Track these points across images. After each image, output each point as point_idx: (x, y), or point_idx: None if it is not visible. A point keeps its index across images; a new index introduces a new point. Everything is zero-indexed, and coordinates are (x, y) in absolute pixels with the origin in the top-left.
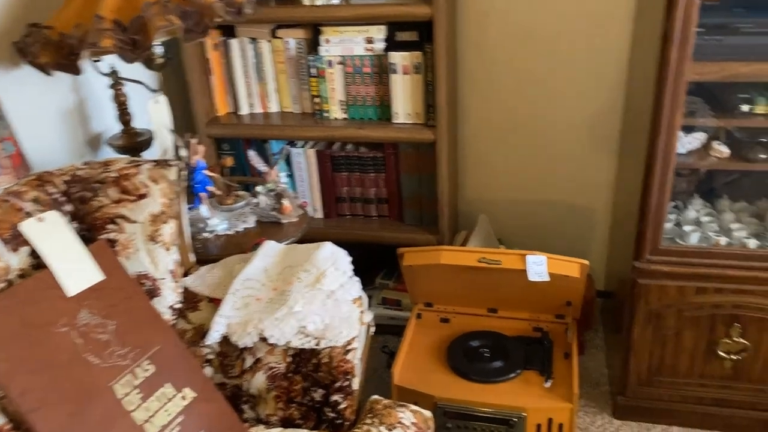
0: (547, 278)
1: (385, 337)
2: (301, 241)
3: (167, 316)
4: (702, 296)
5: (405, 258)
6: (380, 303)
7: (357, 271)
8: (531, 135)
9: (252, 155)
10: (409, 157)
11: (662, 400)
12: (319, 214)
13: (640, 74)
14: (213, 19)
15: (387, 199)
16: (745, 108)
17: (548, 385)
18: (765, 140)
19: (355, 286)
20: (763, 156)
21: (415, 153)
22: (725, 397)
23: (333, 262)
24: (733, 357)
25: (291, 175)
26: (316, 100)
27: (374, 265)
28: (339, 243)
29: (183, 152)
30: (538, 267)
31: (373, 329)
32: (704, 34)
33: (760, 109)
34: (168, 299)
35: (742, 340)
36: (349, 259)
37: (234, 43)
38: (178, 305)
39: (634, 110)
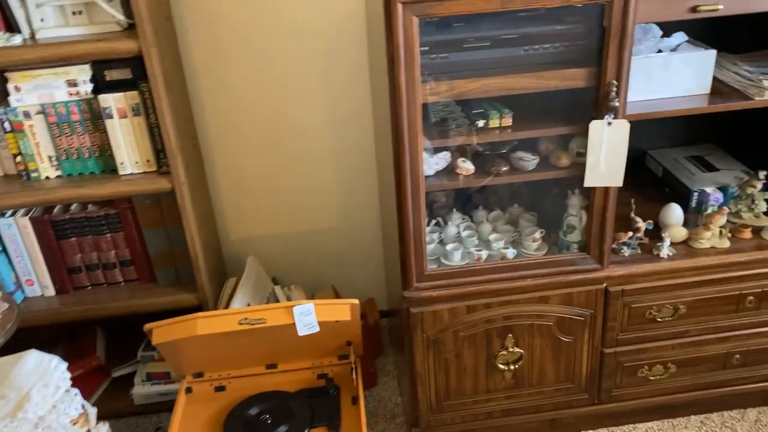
0: (317, 329)
1: (160, 416)
2: (12, 344)
3: None
4: (473, 314)
5: (155, 335)
6: (146, 380)
7: (113, 347)
8: (289, 166)
9: None
10: (149, 210)
11: (455, 423)
12: (51, 291)
13: (381, 99)
14: None
15: (132, 261)
16: (480, 123)
17: None
18: (504, 151)
19: (74, 402)
20: (504, 168)
21: (155, 204)
22: (512, 406)
23: (40, 376)
24: (512, 367)
25: (4, 251)
26: (18, 159)
27: (132, 336)
28: (84, 322)
29: None
30: (306, 318)
31: None
32: (429, 53)
33: (493, 123)
34: None
35: (517, 349)
36: (64, 366)
37: None
38: None
39: (382, 136)
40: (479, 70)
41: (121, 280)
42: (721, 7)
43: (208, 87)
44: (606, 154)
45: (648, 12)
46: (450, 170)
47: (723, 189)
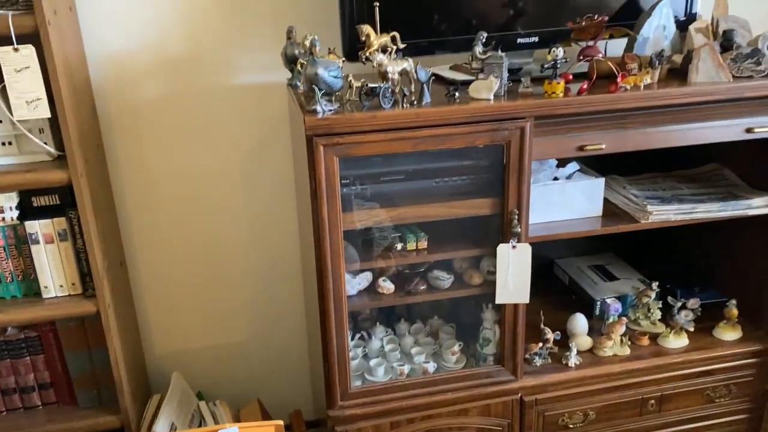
0: None
1: None
2: None
3: None
4: (397, 430)
5: None
6: None
7: None
8: (215, 279)
9: None
10: (72, 332)
11: None
12: None
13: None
14: None
15: (52, 383)
16: (399, 246)
17: None
18: (422, 270)
19: None
20: (422, 287)
21: (79, 327)
22: None
23: None
24: None
25: None
26: None
27: None
28: None
29: None
30: None
31: None
32: (350, 185)
33: (411, 246)
34: None
35: None
36: None
37: None
38: None
39: (306, 257)
40: (396, 200)
41: (40, 403)
42: (603, 146)
43: (136, 206)
44: (512, 274)
45: (542, 150)
46: (372, 289)
47: (622, 298)
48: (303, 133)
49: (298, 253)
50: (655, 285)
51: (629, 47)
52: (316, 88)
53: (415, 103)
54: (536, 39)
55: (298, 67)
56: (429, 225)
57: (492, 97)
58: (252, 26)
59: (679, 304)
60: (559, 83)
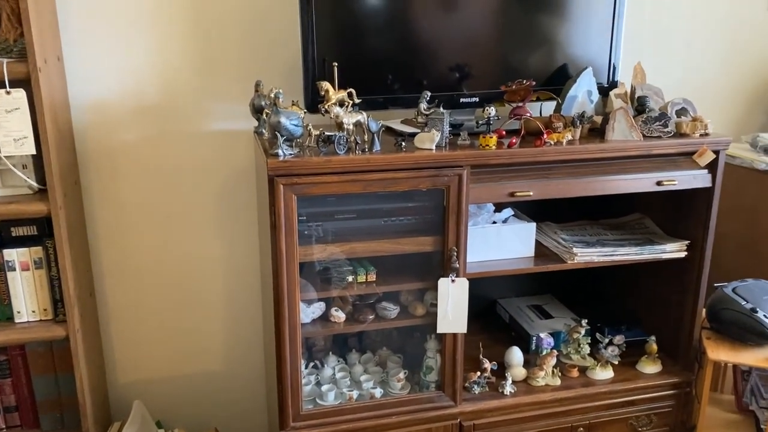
0: None
1: None
2: None
3: None
4: None
5: None
6: None
7: None
8: (179, 315)
9: None
10: (41, 357)
11: None
12: None
13: (266, 257)
14: None
15: (17, 407)
16: (350, 278)
17: None
18: (371, 302)
19: None
20: (371, 317)
21: (48, 351)
22: None
23: None
24: None
25: None
26: None
27: None
28: None
29: None
30: None
31: None
32: (307, 222)
33: (361, 279)
34: None
35: None
36: None
37: None
38: None
39: (266, 289)
40: (348, 236)
41: (4, 426)
42: (531, 193)
43: (107, 239)
44: (452, 305)
45: (477, 195)
46: (325, 318)
47: (556, 334)
48: (266, 173)
49: (259, 288)
50: (584, 322)
51: (557, 109)
52: (279, 135)
53: (367, 150)
54: (477, 99)
55: (264, 116)
56: (378, 259)
57: (434, 147)
58: (223, 80)
59: (607, 340)
60: (492, 137)
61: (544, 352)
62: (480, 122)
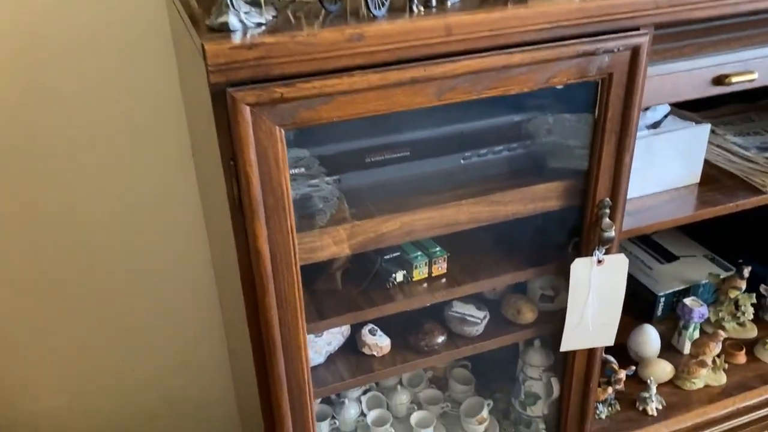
0: None
1: None
2: None
3: None
4: None
5: None
6: None
7: None
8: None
9: None
10: None
11: None
12: None
13: (224, 258)
14: None
15: None
16: (398, 276)
17: None
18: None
19: None
20: (440, 338)
21: None
22: None
23: None
24: None
25: None
26: None
27: None
28: None
29: None
30: None
31: None
32: (309, 177)
33: (418, 274)
34: None
35: None
36: None
37: None
38: None
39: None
40: (394, 199)
41: None
42: (755, 75)
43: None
44: (594, 305)
45: (657, 88)
46: (352, 348)
47: (692, 289)
48: (203, 80)
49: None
50: (746, 270)
51: None
52: None
53: (435, 3)
54: None
55: None
56: (447, 237)
57: None
58: None
59: None
60: None
61: (692, 328)
62: None
